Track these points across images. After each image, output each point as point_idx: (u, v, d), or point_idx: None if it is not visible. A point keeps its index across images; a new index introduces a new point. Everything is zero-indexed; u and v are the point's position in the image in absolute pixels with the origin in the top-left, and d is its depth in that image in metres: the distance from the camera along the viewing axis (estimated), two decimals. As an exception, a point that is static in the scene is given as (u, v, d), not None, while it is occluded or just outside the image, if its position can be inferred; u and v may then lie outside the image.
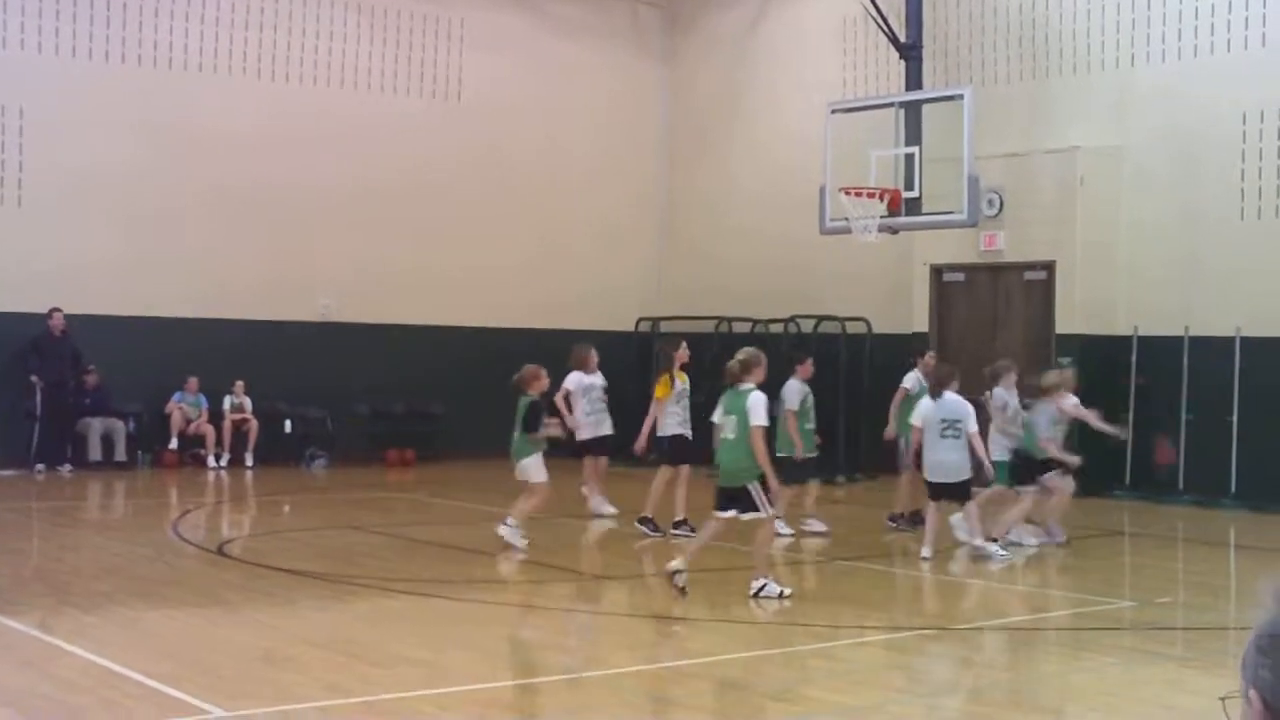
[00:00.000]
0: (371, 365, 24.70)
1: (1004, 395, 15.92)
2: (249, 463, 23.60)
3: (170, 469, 23.08)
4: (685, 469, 16.36)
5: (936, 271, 23.20)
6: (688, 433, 16.49)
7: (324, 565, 14.11)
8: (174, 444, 23.38)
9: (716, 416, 12.76)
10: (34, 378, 22.23)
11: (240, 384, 23.77)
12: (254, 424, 23.79)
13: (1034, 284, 22.14)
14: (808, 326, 24.45)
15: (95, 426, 22.74)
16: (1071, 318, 21.51)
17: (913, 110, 21.68)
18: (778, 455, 14.70)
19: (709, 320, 25.80)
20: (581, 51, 27.65)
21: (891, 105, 21.92)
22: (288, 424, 24.32)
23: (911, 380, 17.37)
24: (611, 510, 17.54)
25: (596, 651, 11.16)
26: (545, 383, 15.49)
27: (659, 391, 16.54)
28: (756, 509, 12.30)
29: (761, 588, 12.39)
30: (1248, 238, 20.16)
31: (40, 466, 22.05)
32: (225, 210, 23.98)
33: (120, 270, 23.11)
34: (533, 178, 26.77)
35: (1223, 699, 2.55)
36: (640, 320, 26.96)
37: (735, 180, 27.12)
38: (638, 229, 28.25)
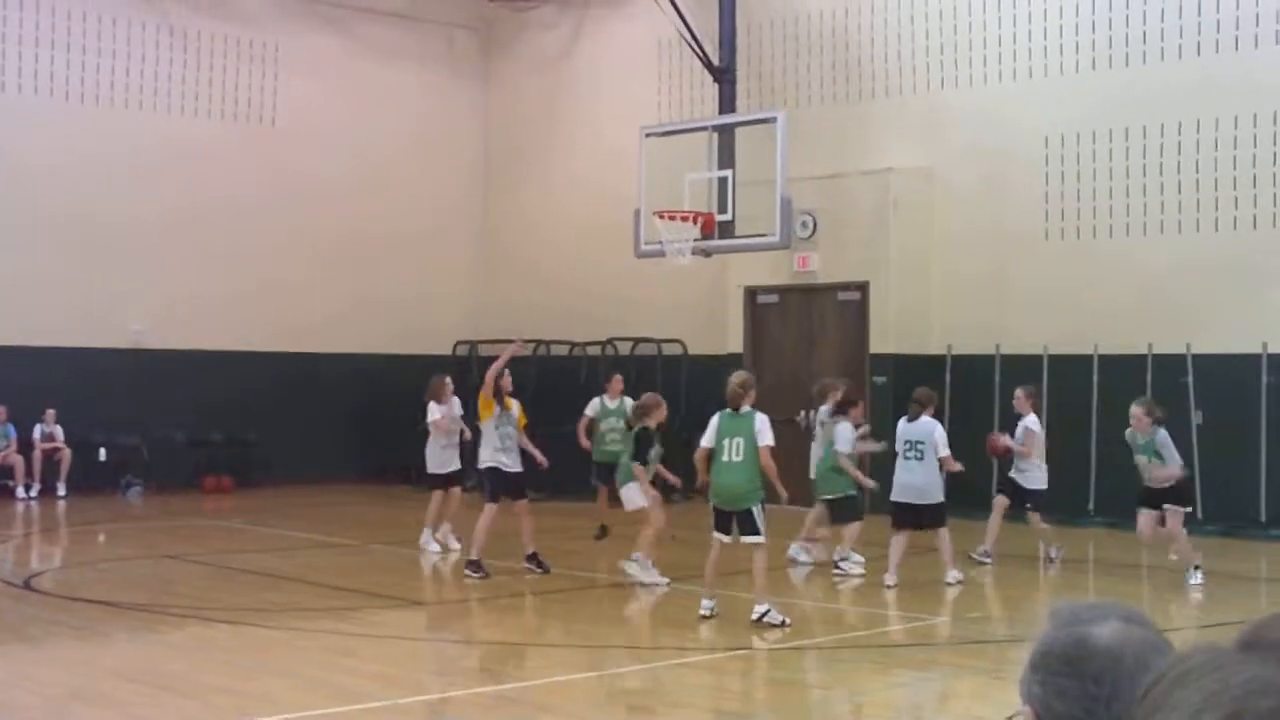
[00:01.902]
0: (186, 392, 24.36)
1: (827, 414, 16.16)
2: (61, 492, 23.15)
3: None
4: (494, 506, 15.24)
5: (751, 293, 23.48)
6: (507, 463, 15.34)
7: (138, 595, 13.91)
8: (-17, 476, 22.86)
9: (708, 440, 12.67)
10: None
11: (51, 412, 23.32)
12: (66, 453, 23.34)
13: (848, 304, 22.51)
14: (625, 349, 24.62)
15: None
16: (885, 337, 21.91)
17: (726, 133, 21.91)
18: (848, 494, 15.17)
19: (527, 343, 25.86)
20: (397, 74, 27.59)
21: (705, 129, 22.15)
22: (102, 452, 23.91)
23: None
24: (455, 546, 17.18)
25: (411, 677, 11.14)
26: (664, 412, 15.09)
27: (482, 414, 15.61)
28: (758, 532, 12.29)
29: (764, 614, 12.24)
30: (1052, 257, 20.73)
31: None
32: (32, 235, 23.55)
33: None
34: (349, 202, 26.64)
35: (1009, 718, 2.68)
36: (458, 344, 26.93)
37: (554, 203, 27.23)
38: (456, 253, 28.25)
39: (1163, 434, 14.83)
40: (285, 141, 26.09)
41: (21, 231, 23.45)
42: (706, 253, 21.04)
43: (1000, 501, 16.38)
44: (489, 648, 12.14)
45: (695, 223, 20.43)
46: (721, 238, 20.93)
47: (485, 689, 10.48)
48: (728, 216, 20.99)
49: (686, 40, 23.03)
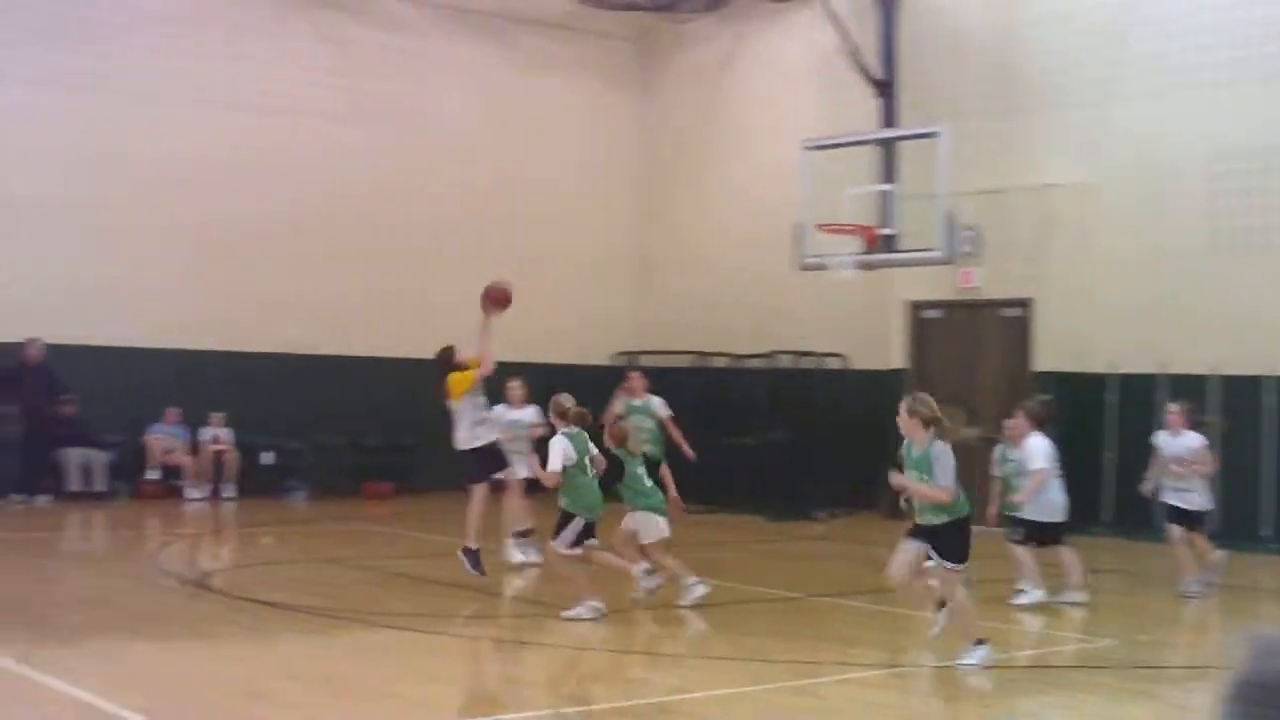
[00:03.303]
0: (350, 397, 24.75)
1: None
2: (228, 494, 23.64)
3: (149, 500, 23.08)
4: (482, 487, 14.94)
5: (914, 308, 23.36)
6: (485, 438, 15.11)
7: (305, 598, 14.14)
8: (153, 474, 23.41)
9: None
10: (8, 407, 22.29)
11: (218, 416, 23.83)
12: (233, 455, 23.83)
13: (1011, 320, 22.30)
14: (786, 362, 24.59)
15: (74, 456, 22.76)
16: (1048, 355, 21.68)
17: (888, 147, 21.87)
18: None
19: (687, 355, 25.96)
20: (552, 85, 27.80)
21: (867, 143, 22.10)
22: (267, 455, 24.37)
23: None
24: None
25: (572, 685, 11.23)
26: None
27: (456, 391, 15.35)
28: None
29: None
30: (1219, 275, 20.37)
31: (18, 496, 22.05)
32: (206, 240, 24.06)
33: (101, 299, 23.17)
34: (501, 211, 26.83)
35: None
36: (617, 354, 27.08)
37: (711, 214, 27.27)
38: (613, 262, 28.37)
39: None
40: (437, 150, 26.38)
41: (196, 237, 23.97)
42: (869, 266, 21.00)
43: (1175, 532, 15.68)
44: (648, 658, 12.18)
45: (858, 236, 20.41)
46: (884, 252, 20.89)
47: (645, 700, 10.51)
48: (890, 230, 20.94)
49: (847, 53, 23.00)
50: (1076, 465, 20.50)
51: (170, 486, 23.53)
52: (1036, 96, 22.49)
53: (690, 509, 16.60)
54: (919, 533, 11.20)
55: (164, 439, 23.58)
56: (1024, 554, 14.58)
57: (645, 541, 14.10)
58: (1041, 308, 21.85)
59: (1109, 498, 21.06)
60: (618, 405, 17.05)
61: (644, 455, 15.22)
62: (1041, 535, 14.59)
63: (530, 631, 13.35)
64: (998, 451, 15.66)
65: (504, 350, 25.49)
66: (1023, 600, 14.39)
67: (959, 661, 11.13)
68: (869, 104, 23.37)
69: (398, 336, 25.21)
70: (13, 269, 22.62)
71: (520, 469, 16.23)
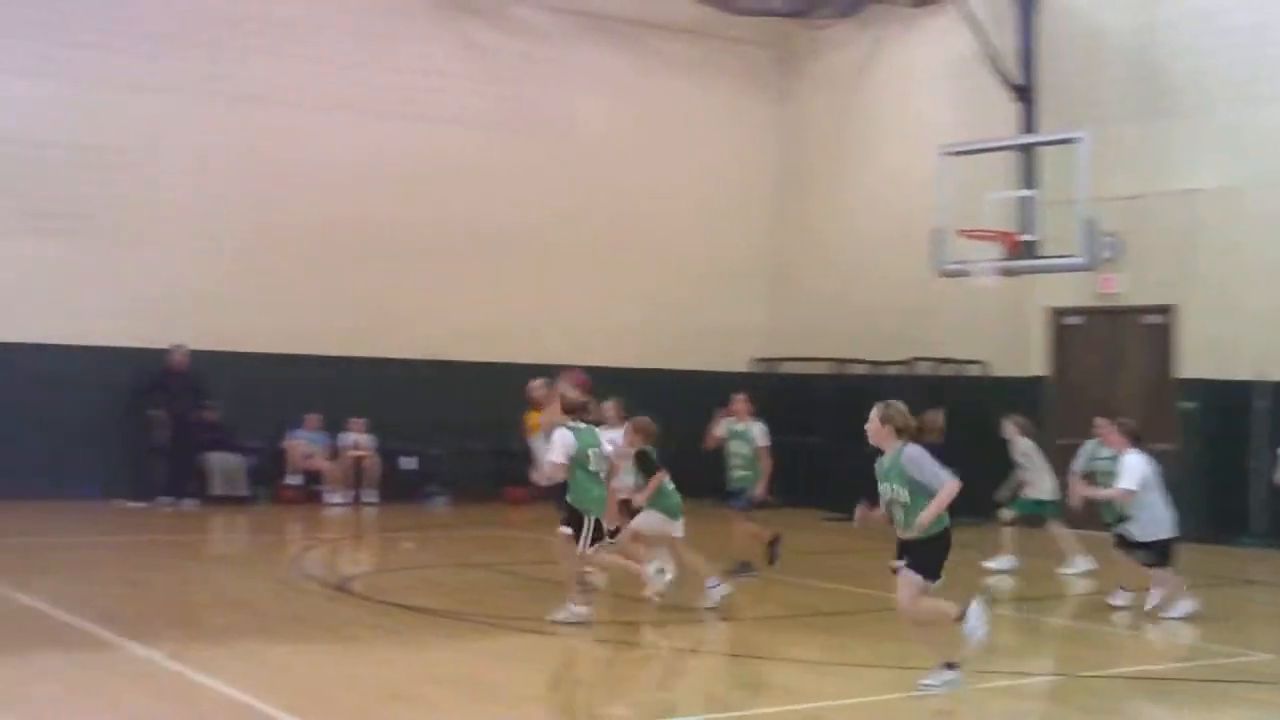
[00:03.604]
0: (491, 403, 24.86)
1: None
2: (368, 499, 23.89)
3: (289, 504, 23.38)
4: None
5: (1055, 314, 23.10)
6: None
7: (448, 602, 14.24)
8: (293, 480, 23.72)
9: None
10: (157, 412, 22.73)
11: (359, 422, 24.10)
12: (373, 461, 24.08)
13: (1153, 327, 21.97)
14: (925, 369, 24.41)
15: (217, 461, 23.12)
16: (1192, 362, 21.33)
17: (1027, 152, 21.64)
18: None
19: (824, 362, 25.85)
20: (688, 91, 27.80)
21: (1006, 148, 21.89)
22: (408, 461, 24.59)
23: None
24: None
25: (717, 691, 11.20)
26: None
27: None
28: None
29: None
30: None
31: (165, 500, 22.45)
32: (347, 247, 24.37)
33: (243, 306, 23.52)
34: (637, 216, 26.96)
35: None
36: (754, 361, 27.03)
37: (847, 219, 27.13)
38: (749, 268, 28.30)
39: None
40: (574, 157, 26.50)
41: (337, 244, 24.28)
42: (1009, 272, 20.80)
43: None
44: (790, 664, 12.11)
45: (999, 242, 20.23)
46: (1025, 258, 20.68)
47: (794, 707, 10.45)
48: (1031, 236, 20.73)
49: (985, 58, 22.80)
50: (1223, 474, 20.24)
51: (310, 491, 23.82)
52: (1178, 99, 22.13)
53: (828, 516, 16.50)
54: (902, 550, 10.46)
55: (304, 444, 23.89)
56: (1126, 560, 14.45)
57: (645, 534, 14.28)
58: (1185, 314, 21.51)
59: (1259, 507, 20.64)
60: (720, 428, 16.91)
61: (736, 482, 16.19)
62: (1151, 554, 14.31)
63: (673, 637, 13.32)
64: (1088, 447, 15.72)
65: (637, 357, 25.72)
66: (1118, 601, 14.39)
67: (921, 681, 10.41)
68: (1007, 108, 23.15)
69: (535, 342, 25.31)
70: (160, 275, 23.04)
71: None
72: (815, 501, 23.13)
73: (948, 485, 10.18)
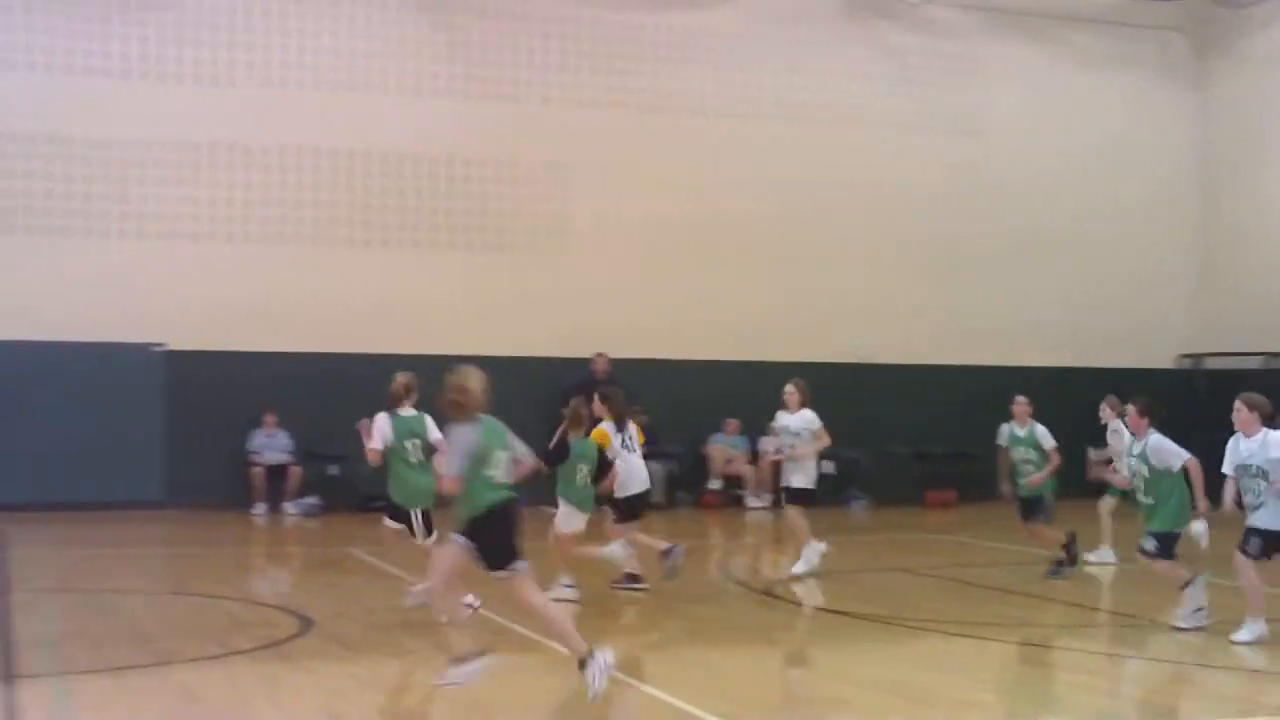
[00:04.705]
0: (909, 406, 24.64)
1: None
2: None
3: (710, 509, 23.55)
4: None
5: None
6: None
7: (871, 606, 14.06)
8: (714, 484, 23.89)
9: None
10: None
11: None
12: (792, 465, 24.04)
13: None
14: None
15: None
16: None
17: None
18: None
19: (1256, 356, 24.68)
20: (1101, 82, 27.02)
21: None
22: (827, 465, 24.43)
23: None
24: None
25: (1166, 700, 10.70)
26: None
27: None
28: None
29: None
30: None
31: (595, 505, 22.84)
32: (755, 252, 24.55)
33: (663, 316, 23.84)
34: (1051, 211, 26.35)
35: None
36: (1179, 357, 26.05)
37: (1275, 208, 25.85)
38: (1173, 261, 27.30)
39: None
40: (989, 153, 26.01)
41: (740, 249, 24.42)
42: None
43: None
44: (1233, 673, 11.46)
45: None
46: None
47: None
48: None
49: None
50: None
51: (731, 496, 23.94)
52: None
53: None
54: None
55: (725, 449, 24.03)
56: (1253, 573, 12.27)
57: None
58: None
59: None
60: (1001, 436, 16.25)
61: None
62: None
63: (1108, 642, 12.84)
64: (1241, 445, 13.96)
65: (1055, 356, 25.05)
66: (1242, 638, 12.03)
67: None
68: None
69: (955, 345, 24.92)
70: (582, 288, 23.61)
71: (796, 477, 16.19)
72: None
73: None
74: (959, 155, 25.81)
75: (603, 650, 9.28)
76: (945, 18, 26.11)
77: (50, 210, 21.80)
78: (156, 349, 21.76)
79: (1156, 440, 12.60)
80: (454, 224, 23.44)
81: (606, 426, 14.80)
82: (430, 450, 13.00)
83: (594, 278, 23.79)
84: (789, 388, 16.49)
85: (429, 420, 13.01)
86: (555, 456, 14.27)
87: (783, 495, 16.63)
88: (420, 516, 12.96)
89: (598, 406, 14.96)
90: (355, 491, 21.57)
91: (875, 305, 25.08)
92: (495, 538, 9.64)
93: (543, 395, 23.25)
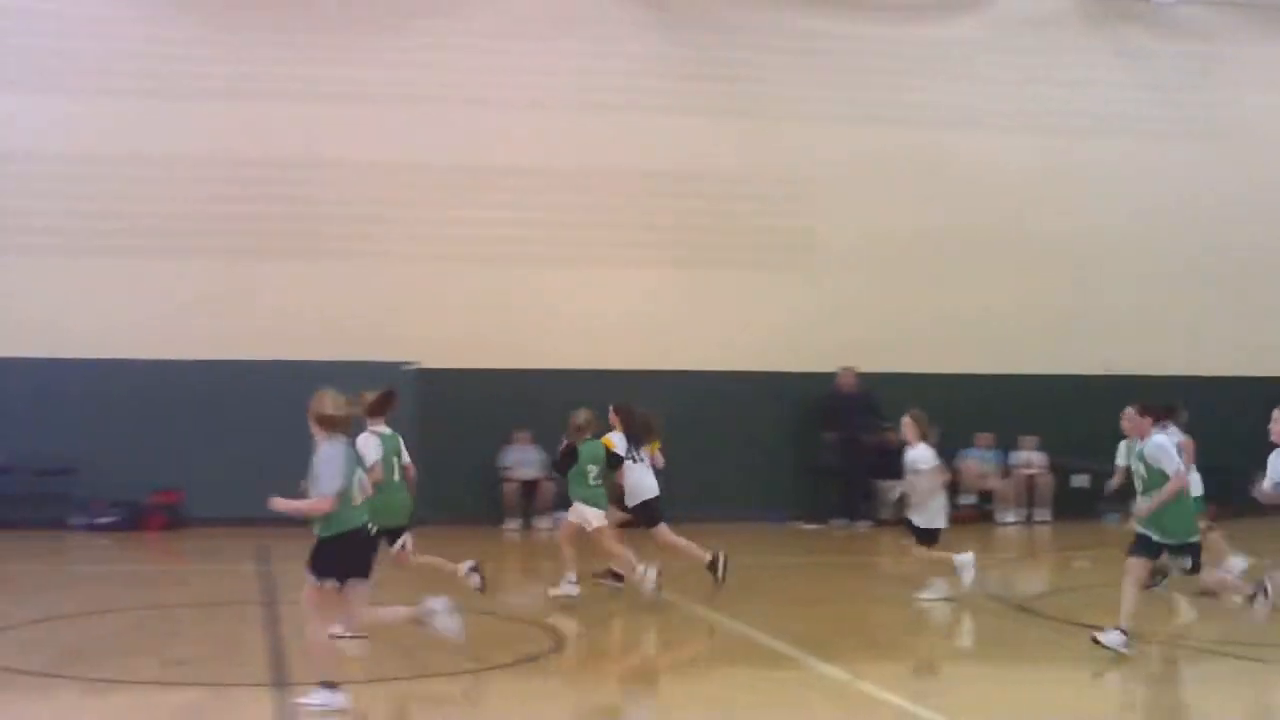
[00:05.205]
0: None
1: None
2: (1040, 518, 23.50)
3: (962, 524, 23.16)
4: None
5: None
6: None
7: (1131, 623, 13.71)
8: (967, 499, 23.58)
9: None
10: (828, 434, 23.11)
11: (1030, 439, 23.78)
12: (1045, 479, 23.66)
13: None
14: None
15: (889, 485, 23.17)
16: None
17: None
18: None
19: None
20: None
21: None
22: (1080, 478, 23.97)
23: None
24: None
25: None
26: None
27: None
28: None
29: None
30: None
31: (839, 522, 22.77)
32: (990, 268, 24.27)
33: (908, 329, 23.67)
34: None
35: None
36: None
37: None
38: None
39: None
40: (1245, 158, 25.25)
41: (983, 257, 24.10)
42: None
43: None
44: None
45: None
46: None
47: None
48: None
49: None
50: None
51: (982, 510, 23.62)
52: None
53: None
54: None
55: (977, 463, 23.71)
56: None
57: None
58: None
59: None
60: (1119, 454, 15.75)
61: None
62: None
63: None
64: None
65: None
66: None
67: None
68: None
69: (1195, 353, 24.26)
70: (826, 298, 23.52)
71: (918, 516, 15.45)
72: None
73: None
74: (1215, 159, 25.07)
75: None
76: (1195, 17, 25.36)
77: (305, 233, 22.48)
78: (409, 367, 22.22)
79: (1159, 441, 12.11)
80: (694, 240, 23.52)
81: (613, 436, 15.37)
82: (402, 471, 13.23)
83: (837, 292, 23.69)
84: (905, 420, 15.74)
85: (401, 441, 13.26)
86: (564, 464, 15.08)
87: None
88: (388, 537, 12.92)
89: (612, 418, 15.51)
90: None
91: (1138, 317, 24.49)
92: (351, 555, 9.91)
93: (785, 411, 23.30)
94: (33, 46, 22.02)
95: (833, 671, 11.31)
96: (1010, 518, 23.50)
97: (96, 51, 22.12)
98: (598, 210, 23.34)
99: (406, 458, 13.26)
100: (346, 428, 10.08)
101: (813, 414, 23.29)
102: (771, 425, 23.35)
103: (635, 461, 15.38)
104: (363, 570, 10.00)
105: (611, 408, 15.65)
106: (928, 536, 15.42)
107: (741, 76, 23.87)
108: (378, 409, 13.02)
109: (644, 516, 15.42)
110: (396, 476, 13.10)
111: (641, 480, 15.43)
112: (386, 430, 13.14)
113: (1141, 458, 12.19)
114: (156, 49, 22.20)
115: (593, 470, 14.92)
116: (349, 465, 9.87)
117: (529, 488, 22.62)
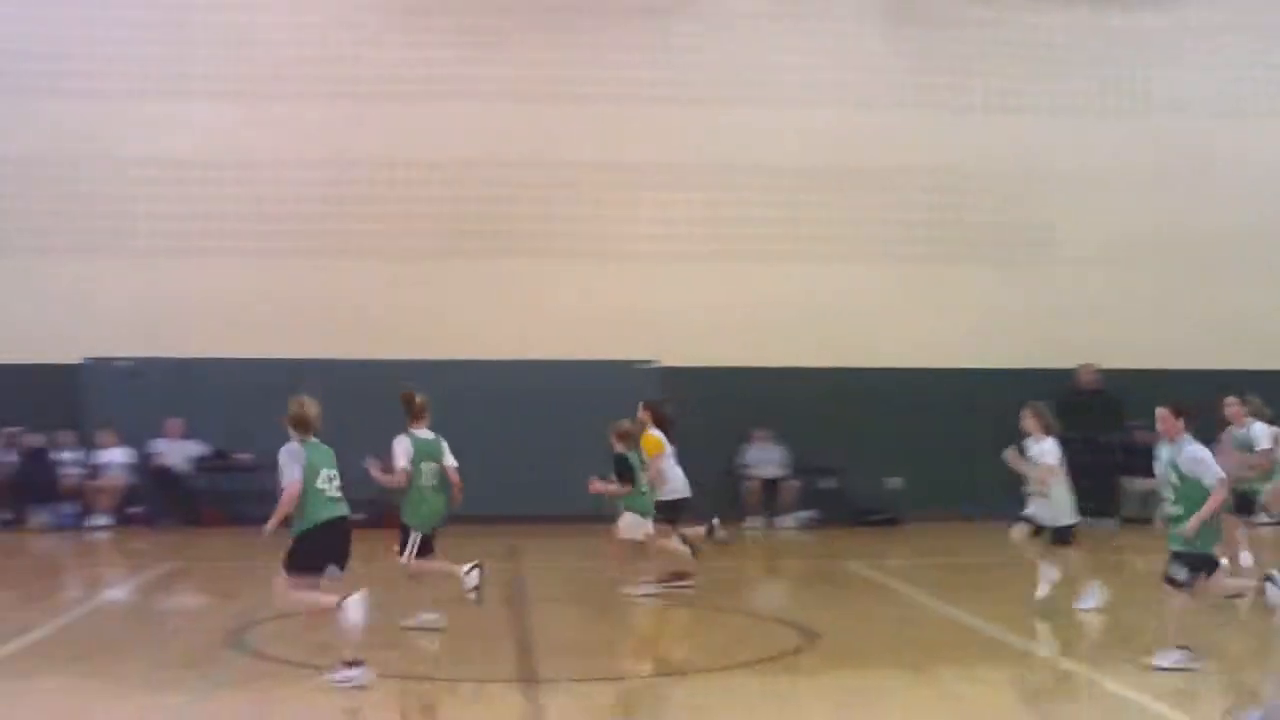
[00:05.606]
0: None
1: None
2: (1288, 520, 22.90)
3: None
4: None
5: None
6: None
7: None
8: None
9: None
10: (1071, 432, 22.77)
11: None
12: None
13: None
14: None
15: (1136, 483, 22.74)
16: None
17: None
18: None
19: None
20: None
21: None
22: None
23: None
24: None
25: None
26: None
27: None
28: None
29: None
30: None
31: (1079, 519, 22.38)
32: (1218, 266, 23.84)
33: (1145, 325, 23.46)
34: None
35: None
36: None
37: None
38: None
39: None
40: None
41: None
42: None
43: None
44: None
45: None
46: None
47: None
48: None
49: None
50: None
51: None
52: None
53: None
54: None
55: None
56: None
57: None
58: None
59: None
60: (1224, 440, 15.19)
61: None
62: None
63: None
64: None
65: None
66: None
67: None
68: None
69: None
70: (1067, 294, 23.28)
71: (1046, 512, 14.49)
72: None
73: None
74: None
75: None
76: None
77: (536, 234, 23.02)
78: (649, 365, 22.44)
79: (1195, 453, 11.26)
80: (919, 235, 23.53)
81: (656, 433, 15.65)
82: (443, 474, 13.01)
83: (1072, 288, 23.46)
84: (1026, 412, 15.09)
85: (444, 444, 13.08)
86: (628, 475, 15.02)
87: None
88: (419, 540, 12.87)
89: (643, 414, 15.80)
90: (851, 505, 21.76)
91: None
92: (326, 545, 10.47)
93: (1013, 408, 23.01)
94: (260, 57, 23.01)
95: (1077, 668, 11.21)
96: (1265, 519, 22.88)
97: (309, 58, 23.05)
98: (835, 207, 23.39)
99: (451, 460, 13.03)
100: (317, 428, 10.69)
101: (1051, 410, 22.93)
102: (986, 425, 23.12)
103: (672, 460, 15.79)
104: (339, 559, 10.55)
105: (641, 404, 15.99)
106: (1061, 535, 14.65)
107: (967, 70, 23.81)
108: (419, 413, 13.01)
109: (669, 512, 15.57)
110: (433, 481, 12.92)
111: (676, 475, 15.75)
112: (428, 434, 13.05)
113: (1175, 465, 11.32)
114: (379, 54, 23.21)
115: (643, 478, 15.15)
116: (311, 463, 10.46)
117: (769, 486, 22.71)
